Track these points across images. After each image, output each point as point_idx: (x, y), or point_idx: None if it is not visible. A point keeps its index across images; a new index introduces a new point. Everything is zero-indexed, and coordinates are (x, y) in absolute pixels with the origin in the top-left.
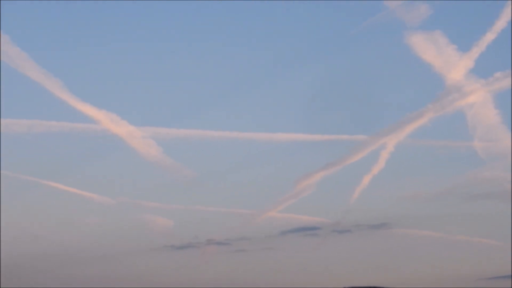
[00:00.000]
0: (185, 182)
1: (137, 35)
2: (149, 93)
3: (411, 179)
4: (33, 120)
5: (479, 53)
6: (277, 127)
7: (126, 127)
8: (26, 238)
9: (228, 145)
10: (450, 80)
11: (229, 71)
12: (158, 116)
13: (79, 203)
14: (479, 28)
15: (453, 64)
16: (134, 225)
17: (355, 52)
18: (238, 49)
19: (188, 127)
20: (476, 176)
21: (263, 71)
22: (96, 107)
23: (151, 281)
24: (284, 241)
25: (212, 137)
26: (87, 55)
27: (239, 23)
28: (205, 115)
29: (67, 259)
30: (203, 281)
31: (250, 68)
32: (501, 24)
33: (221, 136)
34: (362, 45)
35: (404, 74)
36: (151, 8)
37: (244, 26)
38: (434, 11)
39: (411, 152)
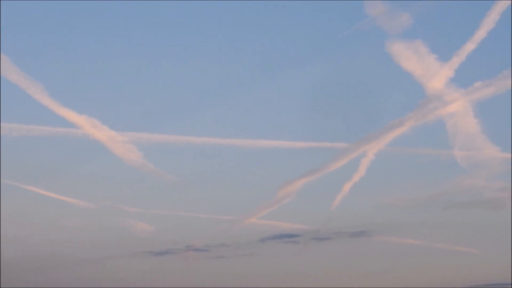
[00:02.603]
0: (166, 188)
1: (119, 41)
2: (130, 98)
3: (391, 187)
4: (12, 124)
5: (459, 62)
6: (259, 134)
7: (107, 132)
8: (5, 243)
9: (209, 151)
10: (431, 89)
11: (210, 77)
12: (139, 122)
13: (59, 207)
14: (460, 38)
15: (434, 73)
16: (114, 230)
17: (336, 60)
18: (219, 55)
19: (170, 132)
20: (456, 184)
21: (245, 78)
22: (77, 112)
23: (130, 286)
24: (264, 248)
25: (193, 143)
26: (68, 59)
27: (221, 28)
28: (187, 121)
29: (47, 263)
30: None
31: (232, 74)
32: (481, 34)
33: (203, 142)
34: (343, 53)
35: (385, 83)
36: (133, 13)
37: (225, 33)
38: (415, 21)
39: (391, 160)
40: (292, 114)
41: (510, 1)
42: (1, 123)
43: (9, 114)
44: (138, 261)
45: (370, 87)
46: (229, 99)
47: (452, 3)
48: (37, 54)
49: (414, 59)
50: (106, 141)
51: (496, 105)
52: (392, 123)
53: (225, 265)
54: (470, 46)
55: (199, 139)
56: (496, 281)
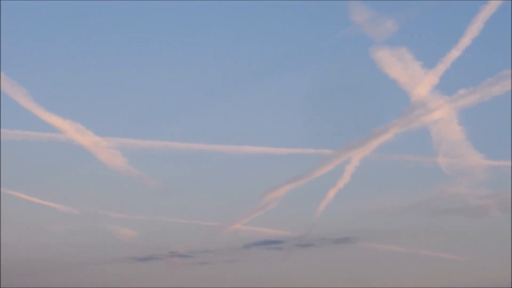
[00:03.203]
0: (150, 193)
1: (104, 46)
2: (115, 104)
3: (376, 193)
4: None
5: (444, 70)
6: (243, 139)
7: (91, 138)
8: None
9: (193, 157)
10: (415, 96)
11: (195, 84)
12: (124, 127)
13: (43, 213)
14: (444, 45)
15: (418, 80)
16: (98, 235)
17: (321, 67)
18: (204, 62)
19: (154, 138)
20: (440, 191)
21: (230, 84)
22: (61, 117)
23: None
24: (247, 254)
25: (178, 149)
26: (52, 63)
27: (206, 36)
28: (171, 126)
29: (30, 268)
30: None
31: (216, 81)
32: (465, 41)
33: (187, 148)
34: (328, 60)
35: (370, 89)
36: (118, 18)
37: (210, 40)
38: (400, 28)
39: (376, 166)
40: (277, 120)
41: (493, 10)
42: None
43: None
44: (122, 266)
45: (355, 94)
46: (214, 105)
47: (437, 11)
48: (21, 58)
49: (399, 66)
50: (90, 147)
51: (480, 113)
52: (377, 130)
53: (209, 271)
54: (454, 53)
55: (183, 145)
56: (481, 286)
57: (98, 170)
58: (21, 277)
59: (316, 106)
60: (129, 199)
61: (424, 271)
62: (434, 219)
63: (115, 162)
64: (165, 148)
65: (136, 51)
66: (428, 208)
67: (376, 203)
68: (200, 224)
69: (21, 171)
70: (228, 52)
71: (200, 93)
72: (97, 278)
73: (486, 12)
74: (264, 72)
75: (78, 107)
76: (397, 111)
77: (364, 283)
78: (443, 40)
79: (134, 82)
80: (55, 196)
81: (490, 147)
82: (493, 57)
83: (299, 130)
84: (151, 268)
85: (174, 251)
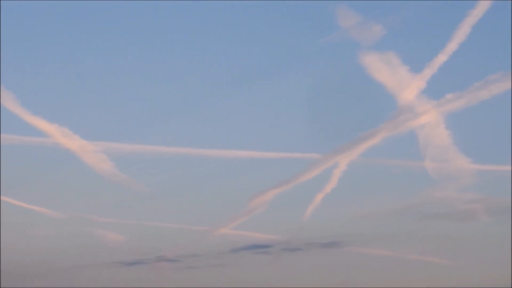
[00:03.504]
0: (137, 198)
1: (90, 50)
2: (102, 107)
3: (363, 198)
4: None
5: (431, 74)
6: (230, 144)
7: (78, 142)
8: None
9: (181, 161)
10: (403, 101)
11: (182, 88)
12: (111, 131)
13: (29, 217)
14: (431, 50)
15: (406, 85)
16: (85, 240)
17: (308, 71)
18: (191, 66)
19: (141, 142)
20: (428, 195)
21: (216, 88)
22: (48, 121)
23: None
24: (235, 259)
25: (165, 153)
26: (39, 67)
27: (192, 40)
28: (158, 130)
29: (17, 273)
30: None
31: (203, 85)
32: (452, 46)
33: (174, 152)
34: (316, 65)
35: (357, 94)
36: (104, 22)
37: (196, 44)
38: (388, 32)
39: (363, 171)
40: (264, 125)
41: (480, 15)
42: None
43: None
44: (109, 271)
45: (342, 98)
46: (201, 110)
47: (424, 15)
48: (7, 62)
49: (386, 70)
50: (77, 151)
51: (467, 117)
52: (364, 134)
53: (196, 276)
54: (442, 58)
55: (170, 149)
56: None
57: (85, 174)
58: (8, 282)
59: (304, 111)
60: (116, 204)
61: (411, 275)
62: (422, 223)
63: (102, 166)
64: (152, 152)
65: (123, 55)
66: (416, 212)
67: (363, 207)
68: (188, 229)
69: (7, 176)
70: (215, 56)
71: (188, 97)
72: (84, 283)
73: (473, 16)
74: (251, 77)
75: (65, 111)
76: (384, 116)
77: (352, 286)
78: (431, 45)
79: (122, 86)
80: (41, 200)
81: (477, 151)
82: (480, 62)
83: (287, 134)
84: (138, 273)
85: (162, 255)
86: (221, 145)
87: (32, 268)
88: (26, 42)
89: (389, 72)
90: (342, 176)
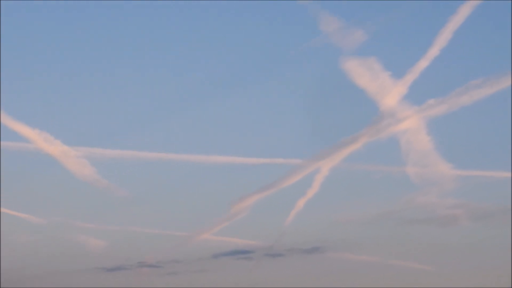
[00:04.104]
0: (119, 203)
1: (71, 55)
2: (84, 113)
3: (345, 203)
4: None
5: (413, 80)
6: (212, 149)
7: (60, 147)
8: None
9: (162, 167)
10: (384, 106)
11: (162, 93)
12: (92, 137)
13: (10, 223)
14: (413, 55)
15: (387, 90)
16: (66, 245)
17: (291, 76)
18: (172, 71)
19: (123, 148)
20: (409, 201)
21: (198, 93)
22: (29, 126)
23: None
24: (216, 264)
25: (146, 158)
26: (20, 72)
27: (174, 44)
28: (140, 136)
29: None
30: None
31: (184, 89)
32: (434, 51)
33: (156, 157)
34: (297, 69)
35: (339, 99)
36: (84, 25)
37: (179, 48)
38: (369, 38)
39: (345, 176)
40: (246, 130)
41: (462, 21)
42: None
43: None
44: (90, 277)
45: (324, 104)
46: (182, 115)
47: (406, 21)
48: None
49: (368, 76)
50: (58, 156)
51: (449, 123)
52: (346, 140)
53: (178, 281)
54: (423, 63)
55: (152, 155)
56: None
57: (66, 179)
58: None
59: (285, 116)
60: (97, 209)
61: (393, 281)
62: (403, 229)
63: (84, 171)
64: (134, 158)
65: (104, 61)
66: (397, 217)
67: (345, 212)
68: (169, 234)
69: None
70: (197, 63)
71: (169, 103)
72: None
73: (455, 22)
74: (233, 82)
75: (46, 116)
76: (366, 121)
77: None
78: (412, 50)
79: (103, 92)
80: (23, 206)
81: (458, 157)
82: (461, 67)
83: (269, 139)
84: (119, 278)
85: (143, 261)
86: (203, 150)
87: (13, 273)
88: (6, 48)
89: (370, 77)
90: (324, 181)
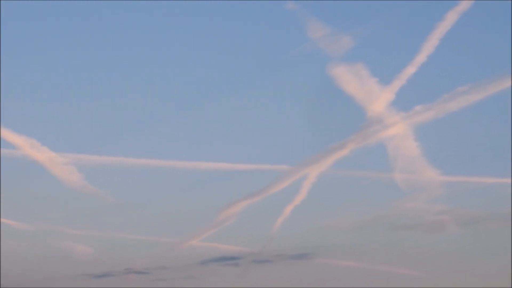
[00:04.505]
0: (106, 210)
1: (58, 61)
2: (71, 119)
3: (333, 209)
4: None
5: (400, 86)
6: (199, 156)
7: (47, 153)
8: None
9: (150, 173)
10: (372, 112)
11: (150, 100)
12: (80, 143)
13: None
14: (400, 62)
15: (375, 97)
16: (54, 252)
17: (278, 82)
18: (159, 77)
19: (110, 154)
20: (397, 207)
21: (184, 99)
22: (16, 132)
23: None
24: (204, 271)
25: (134, 165)
26: (6, 78)
27: (161, 51)
28: (127, 142)
29: None
30: None
31: (171, 96)
32: (421, 58)
33: (143, 164)
34: (285, 76)
35: (326, 105)
36: (71, 32)
37: (165, 55)
38: (357, 44)
39: (333, 182)
40: (233, 136)
41: (449, 27)
42: None
43: None
44: (77, 283)
45: (311, 110)
46: (170, 121)
47: (393, 28)
48: None
49: (355, 82)
50: (45, 162)
51: (436, 129)
52: (334, 146)
53: None
54: (410, 69)
55: (139, 161)
56: None
57: (53, 186)
58: None
59: (273, 122)
60: (85, 216)
61: (381, 287)
62: (391, 235)
63: (71, 178)
64: (121, 164)
65: (91, 66)
66: (385, 223)
67: (333, 219)
68: (157, 241)
69: None
70: (184, 69)
71: (157, 109)
72: None
73: (442, 29)
74: (221, 88)
75: (33, 123)
76: (354, 127)
77: None
78: (399, 57)
79: (90, 98)
80: (10, 212)
81: (446, 163)
82: (448, 74)
83: (256, 145)
84: (107, 285)
85: (130, 267)
86: (191, 157)
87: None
88: None
89: (358, 83)
90: (311, 187)
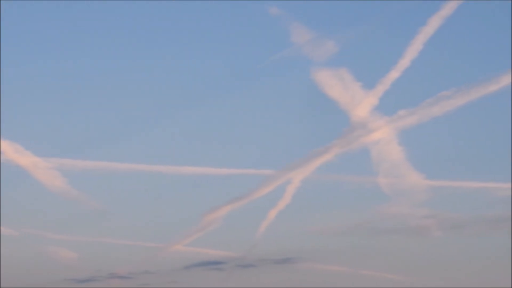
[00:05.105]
0: (90, 214)
1: (41, 64)
2: (54, 124)
3: (317, 214)
4: None
5: (384, 90)
6: (183, 160)
7: (30, 158)
8: None
9: (134, 178)
10: (355, 117)
11: (134, 104)
12: (63, 147)
13: None
14: (384, 66)
15: (358, 101)
16: (37, 257)
17: (262, 87)
18: (143, 82)
19: (94, 159)
20: (381, 211)
21: (168, 103)
22: None
23: None
24: (188, 276)
25: (118, 170)
26: None
27: (145, 55)
28: (111, 147)
29: None
30: None
31: (156, 100)
32: (405, 62)
33: (127, 168)
34: (269, 80)
35: (310, 110)
36: (54, 36)
37: (149, 60)
38: (340, 49)
39: (317, 187)
40: (217, 141)
41: (432, 32)
42: None
43: None
44: None
45: (295, 114)
46: (153, 126)
47: (377, 32)
48: None
49: (339, 86)
50: (29, 167)
51: (420, 133)
52: (317, 150)
53: None
54: (394, 74)
55: (123, 166)
56: None
57: (37, 191)
58: None
59: (257, 127)
60: (68, 220)
61: None
62: (375, 239)
63: (55, 183)
64: (105, 169)
65: (75, 71)
66: (369, 228)
67: (317, 223)
68: (141, 245)
69: None
70: (167, 74)
71: (141, 114)
72: None
73: (425, 33)
74: (204, 93)
75: (16, 127)
76: (337, 132)
77: None
78: (383, 61)
79: (74, 102)
80: None
81: (429, 167)
82: (432, 78)
83: (240, 150)
84: None
85: (114, 272)
86: (174, 161)
87: None
88: None
89: (342, 88)
90: (295, 192)
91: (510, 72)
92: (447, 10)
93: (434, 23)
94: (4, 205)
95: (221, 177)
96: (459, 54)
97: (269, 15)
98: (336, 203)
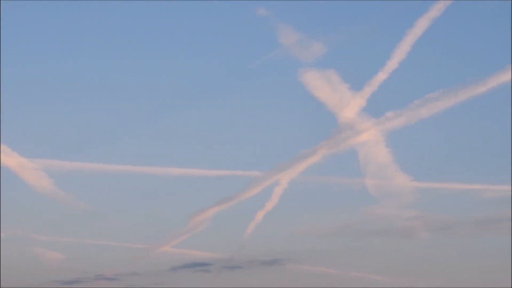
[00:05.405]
0: (77, 216)
1: (30, 65)
2: (41, 124)
3: (304, 215)
4: None
5: (371, 92)
6: (171, 162)
7: (17, 159)
8: None
9: (121, 179)
10: (343, 118)
11: (121, 106)
12: (50, 148)
13: None
14: (371, 68)
15: (346, 103)
16: (23, 258)
17: (249, 88)
18: (132, 85)
19: (81, 160)
20: (368, 213)
21: (155, 105)
22: None
23: None
24: (174, 277)
25: (105, 171)
26: None
27: (135, 58)
28: (99, 148)
29: None
30: None
31: (142, 102)
32: (392, 64)
33: (115, 169)
34: (256, 82)
35: (298, 111)
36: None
37: (138, 62)
38: (328, 50)
39: (304, 188)
40: (205, 143)
41: (420, 34)
42: None
43: None
44: None
45: (283, 116)
46: (141, 127)
47: (365, 34)
48: None
49: (327, 88)
50: (15, 168)
51: (407, 135)
52: (305, 152)
53: None
54: (381, 76)
55: (111, 167)
56: None
57: (24, 192)
58: None
59: (244, 128)
60: (55, 222)
61: None
62: (362, 241)
63: (42, 184)
64: (92, 170)
65: (63, 73)
66: (356, 229)
67: (304, 225)
68: (128, 247)
69: None
70: (156, 75)
71: (128, 115)
72: None
73: (413, 35)
74: (192, 95)
75: (3, 128)
76: (325, 133)
77: None
78: (371, 63)
79: (61, 103)
80: None
81: (417, 169)
82: (419, 80)
83: (228, 152)
84: None
85: (101, 274)
86: (161, 163)
87: None
88: None
89: (329, 90)
90: (283, 193)
91: (498, 73)
92: (434, 11)
93: (422, 24)
94: None
95: (208, 179)
96: (446, 55)
97: (257, 16)
98: (324, 204)
